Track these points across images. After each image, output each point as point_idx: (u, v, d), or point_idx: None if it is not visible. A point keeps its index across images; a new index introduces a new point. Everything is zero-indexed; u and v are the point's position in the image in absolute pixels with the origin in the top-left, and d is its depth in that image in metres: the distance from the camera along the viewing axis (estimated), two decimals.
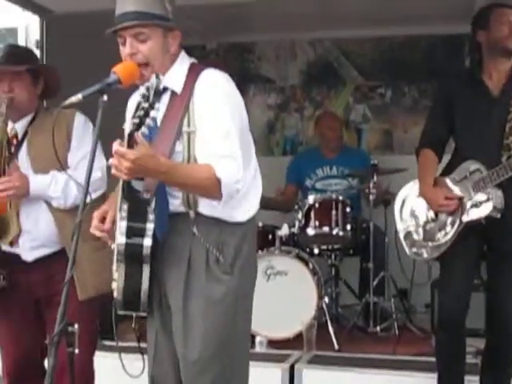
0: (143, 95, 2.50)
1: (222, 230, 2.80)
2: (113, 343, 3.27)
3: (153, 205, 2.66)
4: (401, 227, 3.98)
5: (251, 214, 2.89)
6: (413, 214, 3.93)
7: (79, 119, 3.40)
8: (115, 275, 2.71)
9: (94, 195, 3.14)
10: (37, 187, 3.31)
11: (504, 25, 3.69)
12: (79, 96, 2.52)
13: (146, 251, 2.65)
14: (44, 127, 3.27)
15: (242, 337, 2.95)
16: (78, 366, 2.41)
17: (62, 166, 3.17)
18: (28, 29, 4.99)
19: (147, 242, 2.65)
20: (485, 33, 3.74)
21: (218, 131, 2.71)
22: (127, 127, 2.50)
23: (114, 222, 2.79)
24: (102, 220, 2.80)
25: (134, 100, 3.01)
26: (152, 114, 2.47)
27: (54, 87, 3.46)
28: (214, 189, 2.65)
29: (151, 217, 2.65)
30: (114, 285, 2.72)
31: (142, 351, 2.92)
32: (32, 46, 4.91)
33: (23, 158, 3.40)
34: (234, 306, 2.83)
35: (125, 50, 2.76)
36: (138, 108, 2.50)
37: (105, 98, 2.53)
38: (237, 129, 2.76)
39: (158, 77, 2.51)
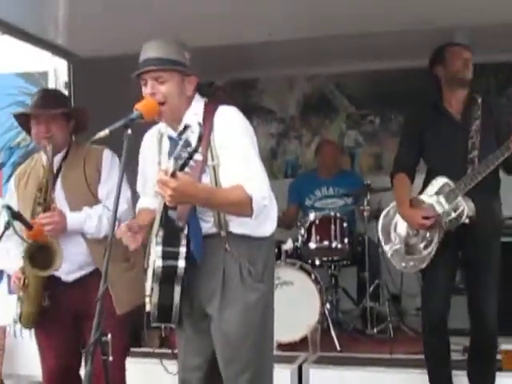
0: (184, 140, 2.46)
1: (250, 244, 2.83)
2: (138, 349, 3.28)
3: (185, 231, 2.69)
4: (387, 248, 3.98)
5: (273, 229, 2.93)
6: (397, 233, 3.95)
7: (107, 154, 3.41)
8: (148, 291, 2.71)
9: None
10: (73, 224, 3.33)
11: (458, 60, 3.75)
12: (106, 131, 2.53)
13: (180, 272, 2.68)
14: (76, 162, 3.28)
15: (271, 337, 2.98)
16: (111, 372, 2.40)
17: (96, 198, 3.19)
18: (57, 72, 5.01)
19: (181, 263, 2.67)
20: (442, 68, 3.80)
21: (241, 157, 2.75)
22: (169, 165, 2.52)
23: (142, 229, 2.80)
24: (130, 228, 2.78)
25: (150, 136, 3.01)
26: (196, 157, 2.49)
27: (83, 124, 3.48)
28: (247, 206, 2.69)
29: (183, 242, 2.67)
30: (148, 299, 2.73)
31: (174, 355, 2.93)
32: (61, 87, 4.94)
33: (58, 191, 3.40)
34: (265, 310, 2.87)
35: (146, 90, 2.79)
36: (177, 147, 2.48)
37: (129, 131, 2.54)
38: (255, 153, 2.80)
39: (200, 125, 2.51)
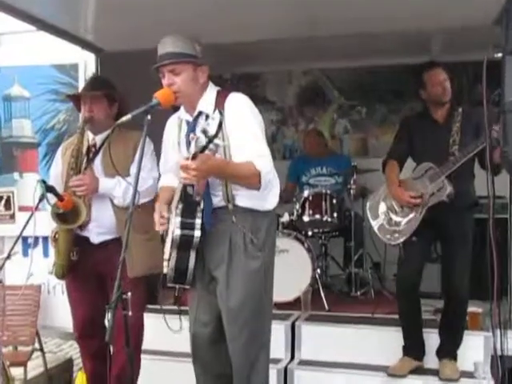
0: (204, 130, 2.43)
1: (254, 217, 2.83)
2: (156, 306, 3.29)
3: (202, 205, 2.69)
4: (374, 223, 4.01)
5: (275, 203, 2.93)
6: (383, 211, 3.97)
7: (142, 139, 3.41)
8: (167, 256, 2.71)
9: (145, 199, 3.19)
10: (104, 187, 3.36)
11: (437, 86, 3.80)
12: (129, 116, 2.54)
13: (196, 240, 2.70)
14: (116, 142, 3.28)
15: (270, 300, 3.00)
16: (130, 324, 2.41)
17: (121, 175, 3.19)
18: (86, 64, 4.98)
19: (197, 233, 2.68)
20: (424, 92, 3.85)
21: (250, 136, 2.75)
22: (192, 148, 2.50)
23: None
24: (161, 215, 2.81)
25: (171, 122, 3.01)
26: (216, 141, 2.46)
27: (125, 111, 3.45)
28: (255, 179, 2.70)
29: (199, 214, 2.67)
30: (165, 263, 2.73)
31: (180, 312, 2.94)
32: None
33: (98, 164, 3.45)
34: (266, 276, 2.88)
35: (164, 81, 2.78)
36: (200, 131, 2.46)
37: (148, 117, 2.53)
38: (262, 133, 2.79)
39: (221, 113, 2.49)
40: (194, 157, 2.49)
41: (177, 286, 2.79)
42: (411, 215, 3.83)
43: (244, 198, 2.80)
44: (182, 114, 2.92)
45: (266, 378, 2.97)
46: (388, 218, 3.95)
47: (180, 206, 2.68)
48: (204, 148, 2.46)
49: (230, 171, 2.70)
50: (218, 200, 2.82)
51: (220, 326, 2.91)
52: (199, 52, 2.81)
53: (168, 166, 3.05)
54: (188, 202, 2.69)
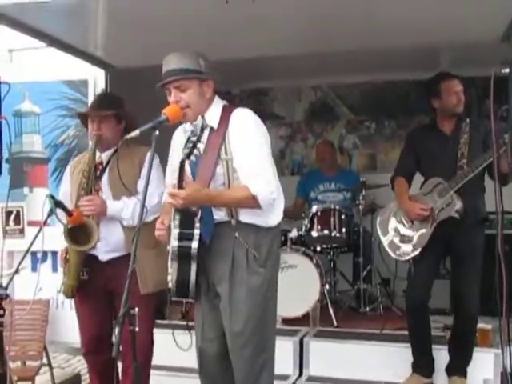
0: (191, 131, 2.54)
1: (257, 233, 2.81)
2: (164, 322, 3.29)
3: (199, 215, 2.68)
4: (384, 239, 4.00)
5: (279, 220, 2.90)
6: (393, 227, 3.95)
7: (149, 154, 3.42)
8: (170, 270, 2.72)
9: (153, 216, 3.19)
10: (112, 211, 3.36)
11: (453, 95, 3.77)
12: (137, 132, 2.55)
13: (194, 251, 2.68)
14: (123, 159, 3.30)
15: (273, 316, 2.97)
16: (138, 340, 2.39)
17: (131, 193, 3.24)
18: (96, 80, 5.02)
19: (194, 244, 2.68)
20: (438, 101, 3.81)
21: (253, 155, 2.74)
22: (180, 156, 2.56)
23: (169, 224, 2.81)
24: (162, 223, 2.81)
25: (178, 133, 3.03)
26: (199, 145, 2.51)
27: (133, 127, 3.47)
28: (252, 203, 2.70)
29: (197, 225, 2.67)
30: (169, 277, 2.73)
31: (189, 328, 2.94)
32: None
33: (105, 181, 3.45)
34: (268, 292, 2.86)
35: (171, 99, 2.79)
36: (187, 141, 2.54)
37: (157, 132, 2.54)
38: (265, 151, 2.78)
39: (203, 117, 2.59)
40: (181, 164, 2.52)
41: (184, 301, 2.79)
42: (421, 231, 3.81)
43: (247, 214, 2.79)
44: (188, 126, 2.92)
45: None
46: (398, 234, 3.92)
47: (177, 218, 2.68)
48: (189, 154, 2.49)
49: (223, 201, 2.73)
50: (221, 215, 2.81)
51: (226, 341, 2.90)
52: (204, 67, 2.81)
53: (174, 176, 3.05)
54: (185, 213, 2.69)
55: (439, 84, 3.79)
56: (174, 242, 2.67)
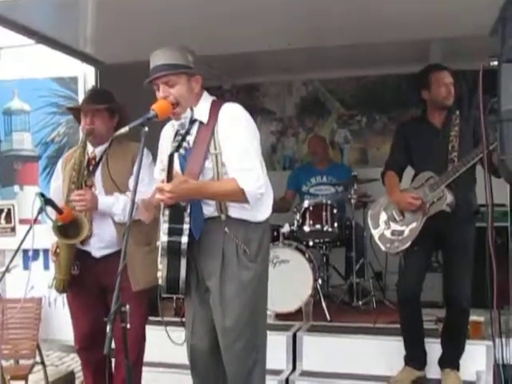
0: (180, 124, 2.53)
1: (247, 228, 2.82)
2: (157, 318, 3.29)
3: (188, 210, 2.68)
4: (375, 232, 3.99)
5: (268, 215, 2.90)
6: (384, 220, 3.95)
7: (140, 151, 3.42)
8: (160, 266, 2.71)
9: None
10: (103, 205, 3.36)
11: (442, 87, 3.76)
12: (126, 128, 2.54)
13: (184, 247, 2.68)
14: (115, 154, 3.30)
15: (263, 310, 2.98)
16: (130, 337, 2.38)
17: (122, 192, 3.24)
18: (86, 77, 5.00)
19: (184, 239, 2.67)
20: (427, 92, 3.80)
21: (241, 149, 2.74)
22: (169, 149, 2.55)
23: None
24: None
25: (166, 129, 3.02)
26: (187, 138, 2.50)
27: (126, 122, 3.46)
28: (240, 197, 2.70)
29: (187, 219, 2.66)
30: (159, 274, 2.73)
31: (183, 324, 2.95)
32: None
33: (98, 177, 3.44)
34: (258, 287, 2.86)
35: (159, 94, 2.78)
36: (176, 134, 2.54)
37: (146, 129, 2.53)
38: (254, 146, 2.79)
39: (192, 109, 2.59)
40: (170, 157, 2.52)
41: (174, 297, 2.79)
42: (412, 225, 3.81)
43: (236, 209, 2.79)
44: (176, 122, 2.91)
45: None
46: (389, 228, 3.93)
47: (167, 213, 2.67)
48: (179, 146, 2.48)
49: (209, 192, 2.71)
50: (211, 210, 2.81)
51: (217, 337, 2.90)
52: (192, 62, 2.81)
53: (163, 173, 3.04)
54: (174, 208, 2.68)
55: (429, 75, 3.79)
56: (163, 237, 2.67)
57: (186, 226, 2.67)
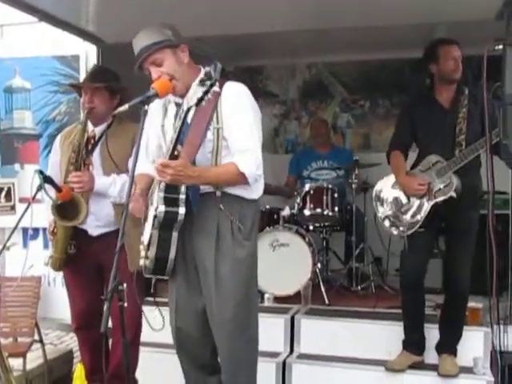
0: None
1: (241, 205, 2.81)
2: (150, 299, 3.31)
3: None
4: (380, 213, 3.94)
5: (260, 193, 2.90)
6: (389, 201, 3.91)
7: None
8: (142, 253, 2.69)
9: None
10: (99, 186, 3.35)
11: (450, 60, 3.68)
12: (126, 106, 2.51)
13: (181, 218, 2.65)
14: (115, 134, 3.28)
15: (255, 289, 2.99)
16: (127, 316, 2.36)
17: (122, 170, 3.27)
18: (87, 55, 4.97)
19: (182, 210, 2.64)
20: (435, 66, 3.73)
21: (243, 127, 2.74)
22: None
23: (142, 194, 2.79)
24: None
25: (156, 103, 2.87)
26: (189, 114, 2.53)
27: (126, 101, 3.44)
28: (240, 180, 2.71)
29: (183, 189, 2.64)
30: (143, 253, 2.71)
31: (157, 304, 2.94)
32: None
33: (96, 156, 3.43)
34: (252, 265, 2.86)
35: (153, 76, 2.76)
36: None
37: (146, 107, 2.51)
38: (256, 126, 2.78)
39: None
40: (173, 151, 2.49)
41: (153, 278, 2.77)
42: (417, 208, 3.77)
43: (232, 186, 2.79)
44: (170, 97, 2.87)
45: (254, 368, 2.93)
46: (393, 209, 3.87)
47: (163, 182, 2.62)
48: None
49: (211, 179, 2.70)
50: (206, 186, 2.79)
51: (203, 317, 2.88)
52: (172, 35, 2.77)
53: (149, 150, 3.00)
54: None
55: (437, 48, 3.72)
56: (160, 207, 2.61)
57: (182, 197, 2.63)
